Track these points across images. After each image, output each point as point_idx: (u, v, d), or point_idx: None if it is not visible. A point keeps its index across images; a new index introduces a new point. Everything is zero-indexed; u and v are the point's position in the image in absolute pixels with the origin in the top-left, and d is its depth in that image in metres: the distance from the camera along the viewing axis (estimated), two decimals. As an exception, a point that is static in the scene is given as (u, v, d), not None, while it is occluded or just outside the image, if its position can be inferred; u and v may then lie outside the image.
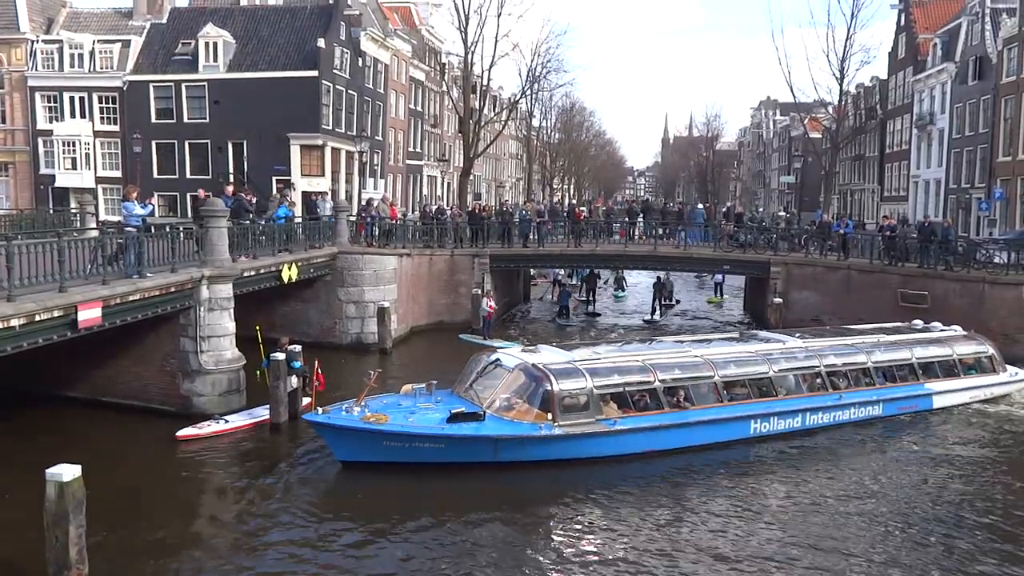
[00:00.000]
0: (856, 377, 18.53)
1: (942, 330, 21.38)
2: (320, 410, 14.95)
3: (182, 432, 16.26)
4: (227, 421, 17.01)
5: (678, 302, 35.97)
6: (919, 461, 16.19)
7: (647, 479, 14.81)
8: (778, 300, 27.95)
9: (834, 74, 42.85)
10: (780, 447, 16.74)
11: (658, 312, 32.50)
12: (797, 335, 19.85)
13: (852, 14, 42.43)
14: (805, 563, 11.61)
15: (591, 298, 34.57)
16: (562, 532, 12.61)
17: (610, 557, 11.74)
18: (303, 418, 16.09)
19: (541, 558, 11.71)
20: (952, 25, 44.57)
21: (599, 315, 33.27)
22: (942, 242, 26.47)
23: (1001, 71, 37.62)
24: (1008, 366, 20.99)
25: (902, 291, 25.62)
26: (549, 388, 14.99)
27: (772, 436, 17.01)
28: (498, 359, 16.39)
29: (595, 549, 12.00)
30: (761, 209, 71.29)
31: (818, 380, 17.97)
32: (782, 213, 46.07)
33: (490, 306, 27.36)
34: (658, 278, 33.70)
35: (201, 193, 22.80)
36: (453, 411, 14.66)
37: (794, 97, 47.53)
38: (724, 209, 53.37)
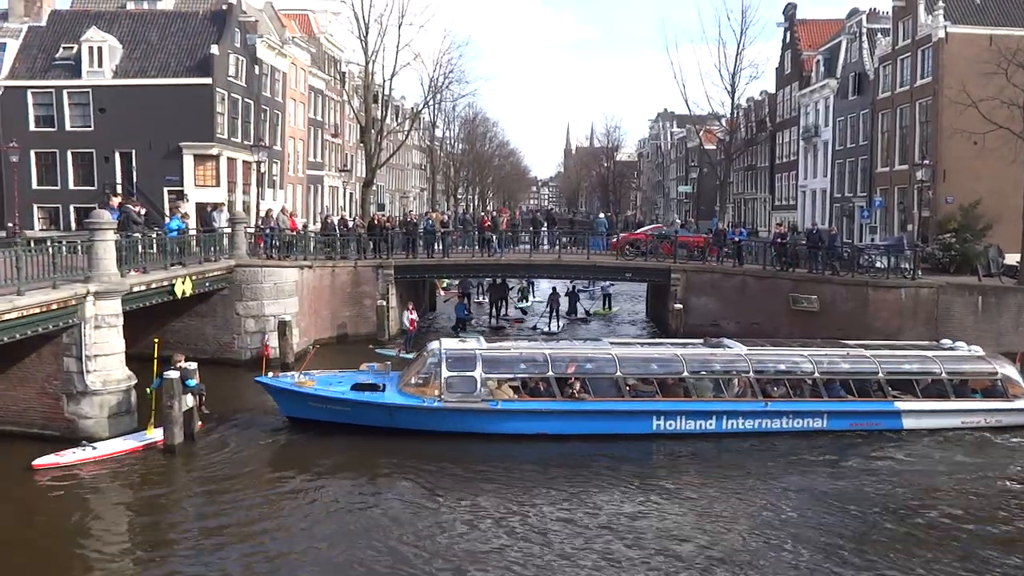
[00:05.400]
0: (797, 387, 18.45)
1: (967, 350, 19.75)
2: (271, 374, 18.82)
3: (39, 461, 15.22)
4: (95, 448, 16.01)
5: (586, 314, 35.27)
6: (840, 481, 15.31)
7: (530, 459, 16.34)
8: (678, 306, 28.70)
9: (726, 88, 44.52)
10: (686, 447, 17.17)
11: (555, 323, 31.97)
12: (763, 345, 20.01)
13: (741, 31, 44.16)
14: (666, 563, 11.85)
15: (494, 311, 33.71)
16: (426, 495, 14.55)
17: (459, 515, 13.50)
18: (255, 380, 18.58)
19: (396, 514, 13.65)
20: (833, 43, 47.13)
21: (503, 327, 32.20)
22: (829, 248, 27.78)
23: (877, 87, 39.99)
24: None
25: (793, 295, 26.72)
26: (439, 369, 17.58)
27: (678, 435, 17.55)
28: (430, 346, 18.93)
29: (452, 509, 13.77)
30: (674, 219, 72.95)
31: (748, 386, 18.21)
32: (677, 221, 47.28)
33: (411, 320, 26.79)
34: (553, 288, 33.27)
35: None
36: (358, 382, 18.00)
37: (689, 110, 49.11)
38: (625, 218, 54.59)
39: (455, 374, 17.61)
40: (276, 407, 18.68)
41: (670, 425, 17.69)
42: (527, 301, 39.02)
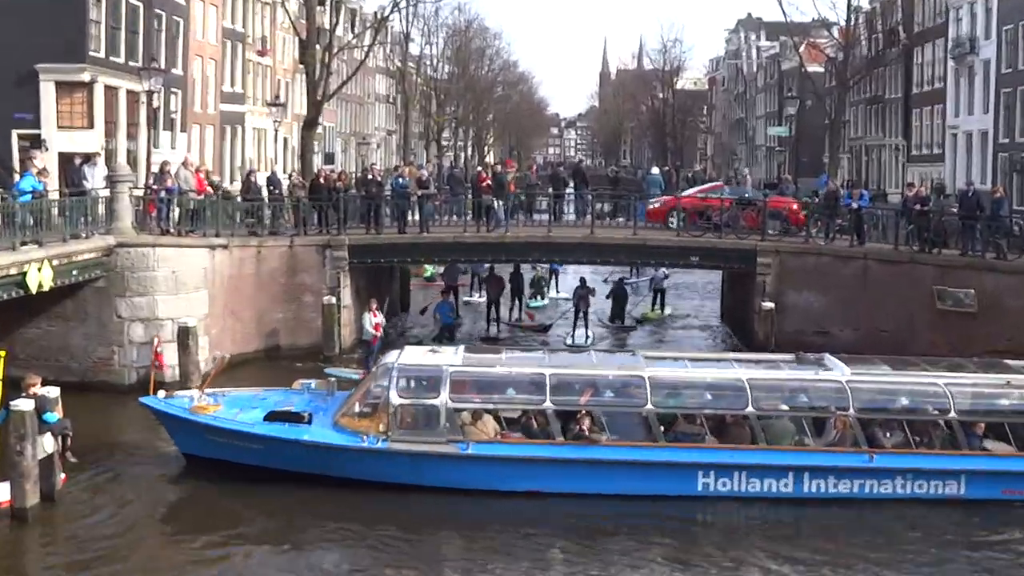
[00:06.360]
0: (923, 432, 18.34)
1: None
2: (162, 393, 19.28)
3: None
4: None
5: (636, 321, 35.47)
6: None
7: (514, 528, 16.59)
8: (769, 305, 28.59)
9: (839, -18, 44.30)
10: (747, 518, 17.19)
11: (584, 331, 31.99)
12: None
13: None
14: None
15: (494, 313, 33.44)
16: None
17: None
18: (140, 403, 19.21)
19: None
20: (997, -86, 46.73)
21: (498, 338, 31.93)
22: (992, 219, 27.58)
23: (1065, -21, 39.64)
24: None
25: (939, 288, 26.59)
26: (386, 395, 17.78)
27: (737, 500, 17.59)
28: (382, 359, 19.65)
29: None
30: (744, 173, 73.03)
31: (847, 429, 18.02)
32: (747, 176, 46.80)
33: (375, 324, 26.79)
34: (581, 281, 33.28)
35: None
36: (275, 409, 18.35)
37: (785, 15, 49.26)
38: (690, 175, 54.29)
39: (410, 401, 17.93)
40: (171, 441, 19.24)
41: (724, 485, 17.69)
42: (543, 298, 38.87)
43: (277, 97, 57.10)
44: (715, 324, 36.78)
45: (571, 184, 38.91)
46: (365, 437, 17.56)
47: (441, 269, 38.24)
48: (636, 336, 33.87)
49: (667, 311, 37.75)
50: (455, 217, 32.82)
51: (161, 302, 25.07)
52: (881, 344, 25.50)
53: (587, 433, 17.61)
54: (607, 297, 35.05)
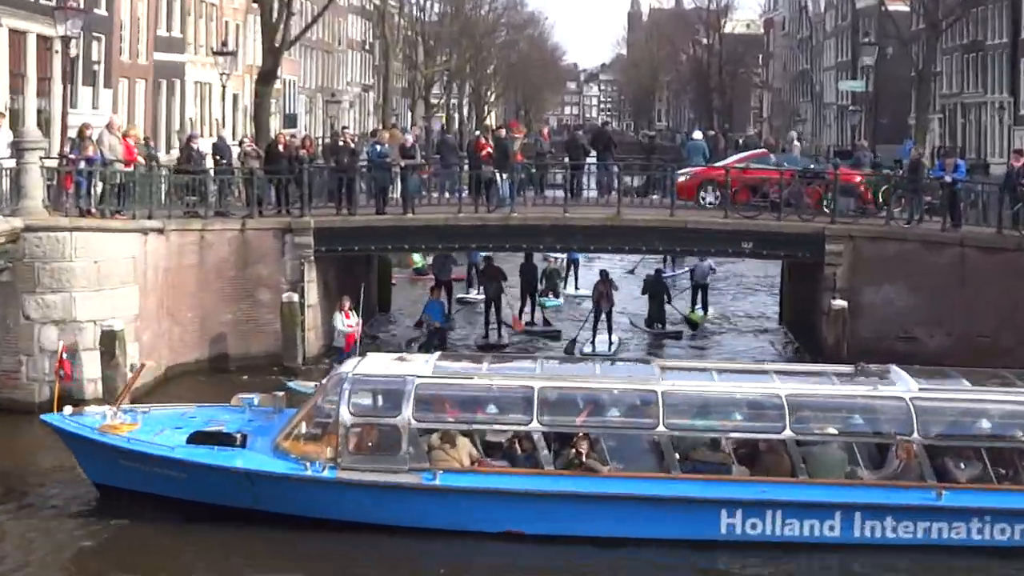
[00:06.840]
0: (1008, 464, 18.19)
1: None
2: (69, 410, 19.26)
3: None
4: None
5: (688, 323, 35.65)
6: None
7: None
8: (840, 303, 28.61)
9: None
10: (782, 568, 17.27)
11: (606, 336, 32.22)
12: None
13: None
14: None
15: (493, 313, 33.28)
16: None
17: None
18: (40, 419, 19.69)
19: None
20: None
21: (503, 344, 32.27)
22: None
23: None
24: None
25: (1054, 282, 26.66)
26: (337, 412, 17.85)
27: (769, 545, 17.51)
28: (336, 370, 19.93)
29: None
30: (792, 137, 72.98)
31: (911, 459, 17.92)
32: (795, 140, 46.47)
33: (348, 325, 27.08)
34: (602, 275, 33.19)
35: None
36: (201, 429, 18.54)
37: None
38: (741, 140, 54.21)
39: (365, 419, 18.09)
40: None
41: (754, 528, 17.58)
42: (557, 296, 38.87)
43: (225, 44, 57.20)
44: (772, 327, 36.90)
45: (593, 152, 38.81)
46: (308, 464, 17.55)
47: (431, 259, 38.21)
48: (679, 344, 33.98)
49: (710, 312, 37.76)
50: (447, 194, 32.96)
51: (80, 300, 25.04)
52: (980, 352, 25.52)
53: (584, 461, 17.53)
54: (643, 293, 35.12)
